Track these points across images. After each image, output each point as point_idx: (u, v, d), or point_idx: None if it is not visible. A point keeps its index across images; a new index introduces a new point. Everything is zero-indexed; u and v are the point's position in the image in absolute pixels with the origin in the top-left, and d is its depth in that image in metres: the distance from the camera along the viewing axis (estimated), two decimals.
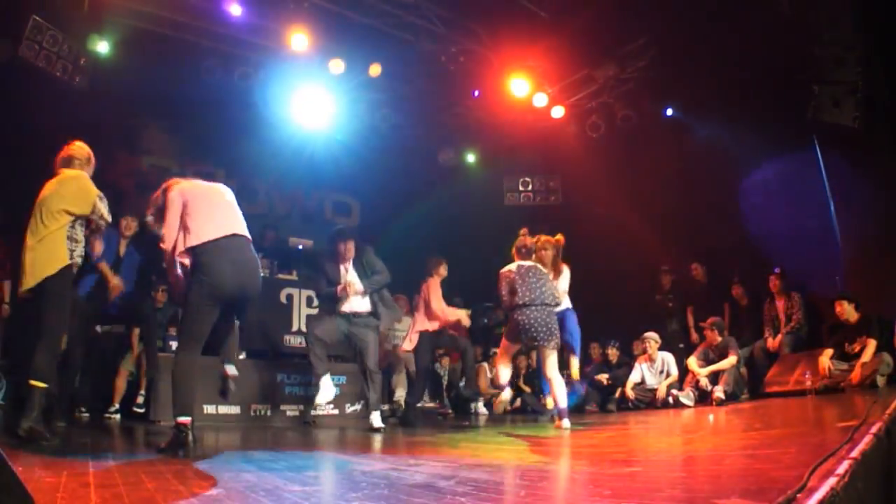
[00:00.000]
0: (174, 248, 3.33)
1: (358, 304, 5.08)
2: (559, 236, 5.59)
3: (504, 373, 4.95)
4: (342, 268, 5.16)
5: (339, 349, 5.79)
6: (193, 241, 3.23)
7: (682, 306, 7.79)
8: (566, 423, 4.57)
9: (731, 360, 6.26)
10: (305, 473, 2.53)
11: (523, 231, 5.19)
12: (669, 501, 1.68)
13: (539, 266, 4.85)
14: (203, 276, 3.19)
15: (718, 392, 6.07)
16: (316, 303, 6.78)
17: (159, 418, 5.31)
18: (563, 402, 4.67)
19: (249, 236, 3.47)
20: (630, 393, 6.87)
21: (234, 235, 3.33)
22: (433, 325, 5.96)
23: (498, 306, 5.14)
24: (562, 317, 5.47)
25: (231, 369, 3.40)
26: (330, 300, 5.10)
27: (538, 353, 4.96)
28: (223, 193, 3.54)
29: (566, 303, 5.67)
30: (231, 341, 3.48)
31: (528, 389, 7.96)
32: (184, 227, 3.29)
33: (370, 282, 5.12)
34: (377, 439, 4.38)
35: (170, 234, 3.32)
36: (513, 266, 4.84)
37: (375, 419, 4.97)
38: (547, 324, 4.61)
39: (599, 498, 1.77)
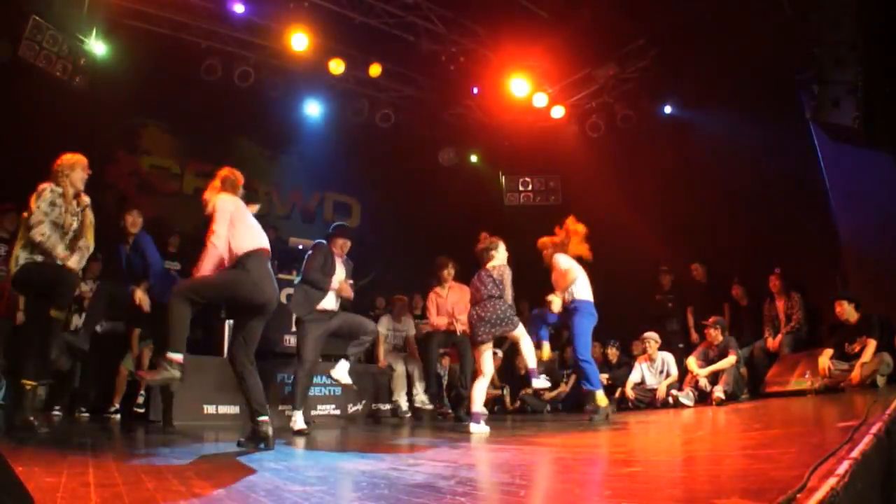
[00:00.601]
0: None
1: (333, 302, 5.15)
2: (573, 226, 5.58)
3: (479, 395, 4.72)
4: (338, 261, 5.23)
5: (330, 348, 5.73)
6: (246, 247, 3.47)
7: (682, 306, 7.79)
8: (474, 427, 4.50)
9: (731, 359, 6.27)
10: (305, 473, 2.53)
11: (482, 236, 5.16)
12: (669, 501, 1.67)
13: (488, 269, 4.87)
14: (253, 276, 3.42)
15: (718, 392, 6.07)
16: None
17: (159, 418, 5.31)
18: (533, 363, 4.76)
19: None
20: (630, 393, 6.87)
21: (266, 251, 3.60)
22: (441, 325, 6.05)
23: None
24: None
25: (263, 417, 3.44)
26: (315, 287, 5.06)
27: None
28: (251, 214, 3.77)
29: (574, 293, 5.43)
30: (260, 392, 3.55)
31: (528, 391, 7.94)
32: (229, 237, 3.50)
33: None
34: (377, 439, 4.38)
35: (220, 237, 3.49)
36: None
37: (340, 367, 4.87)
38: (486, 317, 4.67)
39: (599, 498, 1.77)
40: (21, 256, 3.91)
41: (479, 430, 4.45)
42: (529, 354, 4.76)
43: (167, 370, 3.24)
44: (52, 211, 3.94)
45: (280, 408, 6.13)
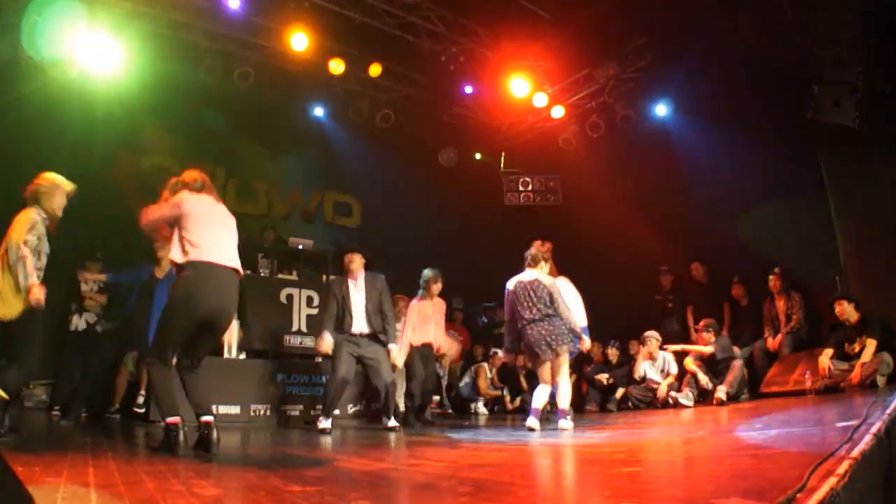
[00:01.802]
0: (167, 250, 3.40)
1: (364, 326, 5.09)
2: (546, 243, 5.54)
3: (542, 394, 4.71)
4: (350, 283, 5.13)
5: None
6: (187, 256, 3.27)
7: (682, 306, 7.79)
8: (564, 423, 4.55)
9: (707, 349, 6.38)
10: (305, 473, 2.53)
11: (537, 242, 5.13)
12: (669, 501, 1.68)
13: (539, 279, 4.79)
14: (186, 288, 3.24)
15: (720, 394, 6.05)
16: (316, 302, 6.77)
17: (159, 418, 5.31)
18: (564, 404, 4.67)
19: (240, 269, 3.49)
20: (639, 374, 6.92)
21: (224, 267, 3.36)
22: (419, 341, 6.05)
23: (499, 305, 5.14)
24: None
25: (207, 417, 3.26)
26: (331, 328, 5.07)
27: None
28: (229, 220, 3.55)
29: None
30: (203, 392, 3.41)
31: (527, 388, 7.95)
32: (180, 239, 3.32)
33: (385, 332, 5.15)
34: (377, 439, 4.38)
35: (153, 216, 3.36)
36: (511, 284, 4.88)
37: (391, 421, 5.06)
38: (546, 336, 4.63)
39: (599, 498, 1.77)
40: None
41: (566, 424, 4.53)
42: (564, 393, 4.68)
43: (170, 433, 3.19)
44: (38, 243, 3.72)
45: (281, 407, 6.15)
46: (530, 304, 4.72)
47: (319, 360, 6.30)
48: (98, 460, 2.71)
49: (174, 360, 3.38)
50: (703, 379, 6.38)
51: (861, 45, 5.69)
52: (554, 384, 4.73)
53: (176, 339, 3.29)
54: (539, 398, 4.69)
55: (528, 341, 4.73)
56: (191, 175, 3.57)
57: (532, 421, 4.51)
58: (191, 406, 3.33)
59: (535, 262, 4.92)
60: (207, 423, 3.19)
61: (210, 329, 3.38)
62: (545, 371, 4.72)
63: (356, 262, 5.19)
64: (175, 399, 3.28)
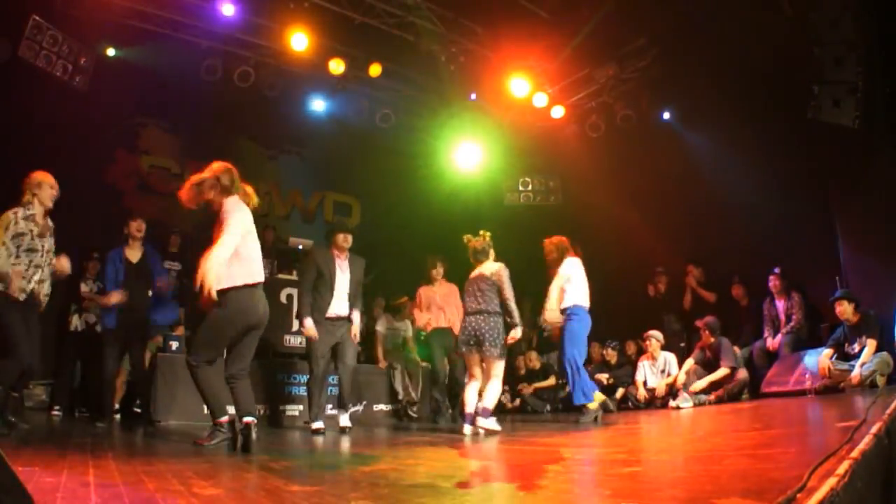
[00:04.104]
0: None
1: (344, 308, 5.04)
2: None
3: (471, 394, 4.59)
4: (337, 262, 5.08)
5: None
6: (241, 280, 3.37)
7: (681, 307, 7.78)
8: (485, 422, 4.37)
9: (722, 371, 6.27)
10: (305, 473, 2.53)
11: (467, 237, 5.01)
12: (669, 501, 1.68)
13: (484, 273, 4.72)
14: (244, 301, 3.39)
15: (677, 401, 6.13)
16: None
17: (159, 418, 5.31)
18: (489, 403, 4.50)
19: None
20: (642, 391, 6.89)
21: (261, 284, 3.55)
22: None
23: None
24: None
25: (250, 418, 3.39)
26: (310, 303, 4.98)
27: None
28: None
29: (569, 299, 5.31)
30: (250, 395, 3.56)
31: (527, 390, 7.94)
32: (235, 255, 3.38)
33: (354, 303, 5.12)
34: (377, 439, 4.38)
35: (231, 243, 3.34)
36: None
37: (343, 419, 4.91)
38: (476, 331, 4.54)
39: (599, 498, 1.77)
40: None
41: (467, 430, 4.41)
42: (492, 393, 4.52)
43: (221, 433, 3.35)
44: (23, 237, 3.88)
45: (281, 407, 6.14)
46: (472, 297, 4.68)
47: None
48: (98, 460, 2.71)
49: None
50: (681, 379, 6.36)
51: (861, 45, 5.69)
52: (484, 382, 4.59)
53: (224, 345, 3.50)
54: (470, 400, 4.55)
55: (461, 328, 4.67)
56: (218, 166, 3.66)
57: (467, 428, 4.39)
58: (235, 407, 3.47)
59: (475, 258, 4.88)
60: (249, 424, 3.32)
61: (255, 333, 3.57)
62: (473, 363, 4.62)
63: (349, 242, 5.15)
64: (223, 398, 3.43)
